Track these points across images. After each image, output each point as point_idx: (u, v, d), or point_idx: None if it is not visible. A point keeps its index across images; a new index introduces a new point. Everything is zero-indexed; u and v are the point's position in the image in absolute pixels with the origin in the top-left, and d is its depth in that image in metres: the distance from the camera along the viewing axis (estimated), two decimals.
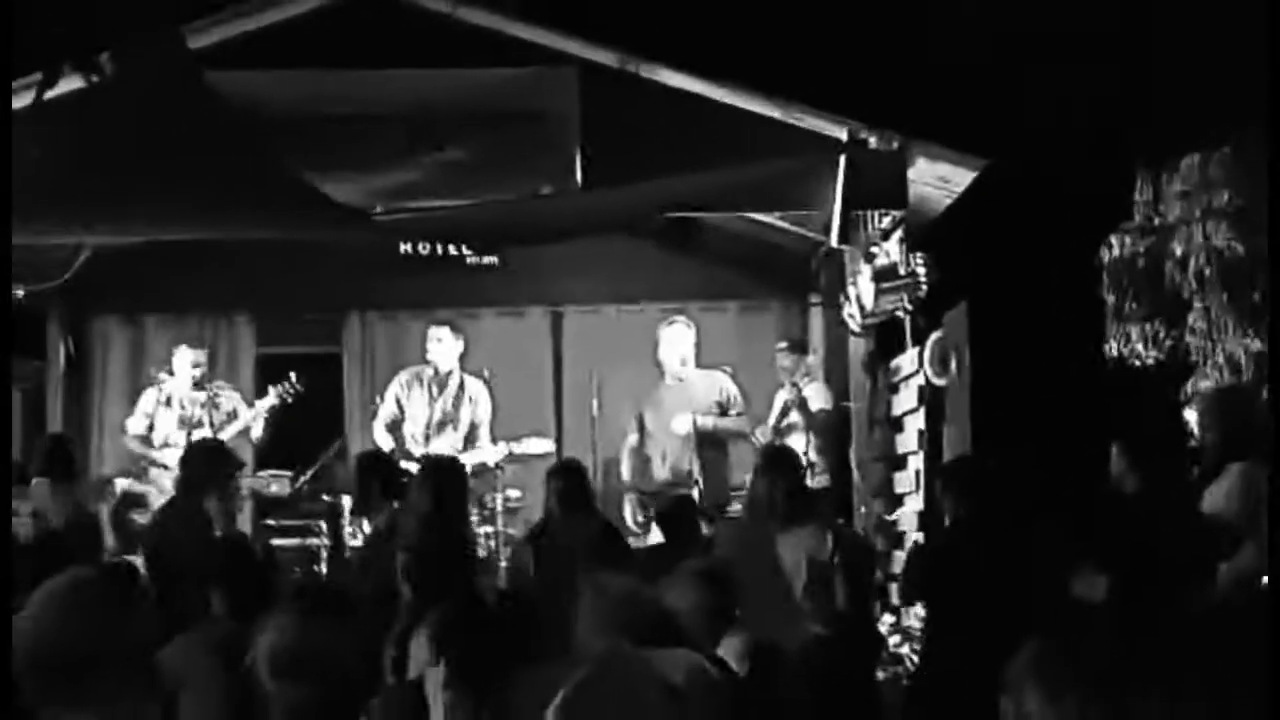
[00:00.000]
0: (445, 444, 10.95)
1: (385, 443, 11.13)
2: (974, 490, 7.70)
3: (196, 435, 10.88)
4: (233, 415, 11.14)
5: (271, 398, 10.95)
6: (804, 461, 10.19)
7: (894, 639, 8.61)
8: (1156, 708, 3.33)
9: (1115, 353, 9.55)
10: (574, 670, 2.20)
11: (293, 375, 11.03)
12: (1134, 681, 3.28)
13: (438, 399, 11.15)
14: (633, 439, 10.98)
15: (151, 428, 11.13)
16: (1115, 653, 3.28)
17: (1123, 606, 6.15)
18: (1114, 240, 9.79)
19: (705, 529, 9.36)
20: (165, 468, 10.77)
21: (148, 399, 11.26)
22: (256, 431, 11.10)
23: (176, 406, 11.14)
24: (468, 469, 10.16)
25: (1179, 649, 4.17)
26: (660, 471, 10.74)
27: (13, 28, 7.44)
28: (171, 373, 11.31)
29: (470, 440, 11.07)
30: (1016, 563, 6.95)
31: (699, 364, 10.92)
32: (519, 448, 10.85)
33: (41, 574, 3.45)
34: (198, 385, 11.26)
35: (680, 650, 2.37)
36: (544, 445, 11.05)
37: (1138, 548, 6.41)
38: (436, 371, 11.20)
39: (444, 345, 11.17)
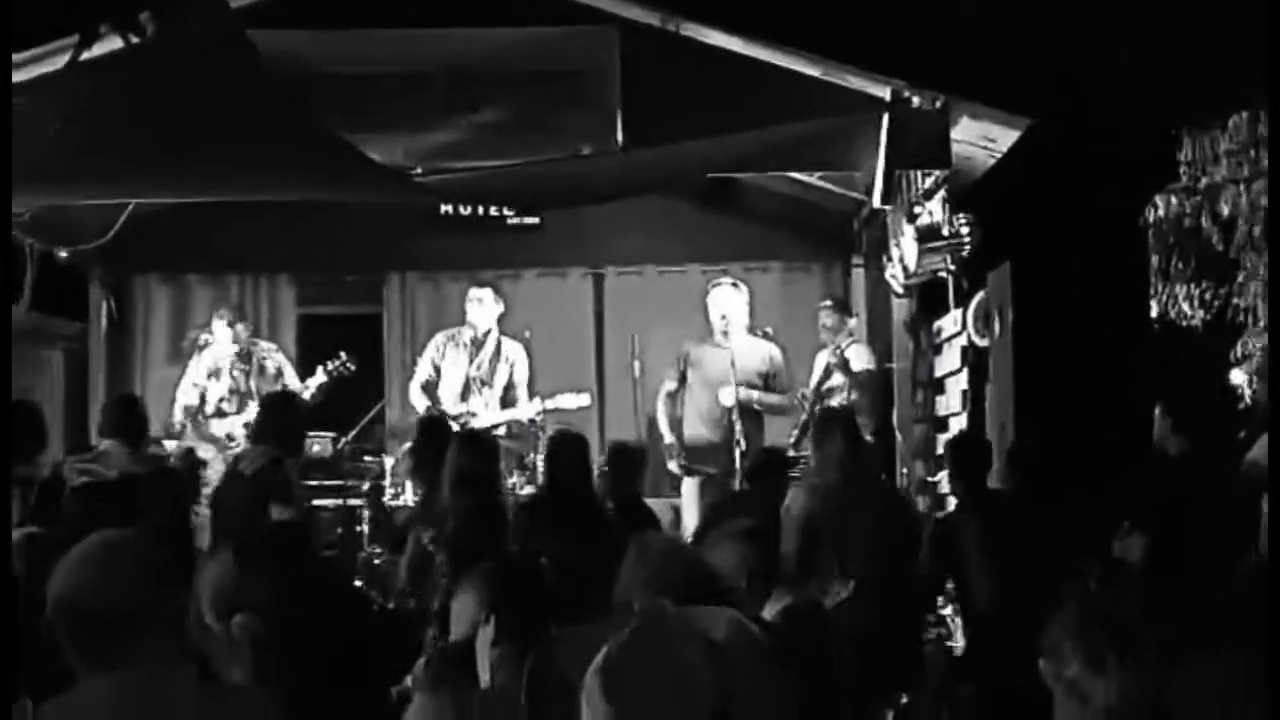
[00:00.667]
0: (479, 404, 10.96)
1: (420, 403, 11.16)
2: (971, 469, 7.72)
3: (249, 404, 10.90)
4: (279, 375, 11.14)
5: (320, 375, 10.94)
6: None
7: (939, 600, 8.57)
8: (1194, 673, 3.29)
9: (1161, 313, 9.47)
10: (616, 628, 2.18)
11: (343, 354, 11.01)
12: (1172, 646, 3.25)
13: (474, 360, 11.13)
14: (670, 384, 10.95)
15: (203, 398, 11.14)
16: (1154, 618, 3.25)
17: (1162, 569, 6.11)
18: (1159, 200, 9.70)
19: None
20: (215, 439, 10.82)
21: (194, 369, 11.26)
22: (306, 399, 11.09)
23: (226, 376, 11.15)
24: (503, 429, 10.19)
25: (1218, 613, 4.13)
26: (696, 426, 10.71)
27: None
28: (212, 336, 11.32)
29: (506, 400, 11.06)
30: (1026, 535, 6.95)
31: (746, 327, 10.86)
32: (553, 403, 10.81)
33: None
34: (242, 352, 11.24)
35: (721, 608, 2.36)
36: (579, 400, 10.99)
37: (1178, 510, 6.37)
38: (475, 332, 11.18)
39: (484, 306, 11.16)
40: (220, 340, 11.22)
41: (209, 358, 11.20)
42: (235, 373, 11.14)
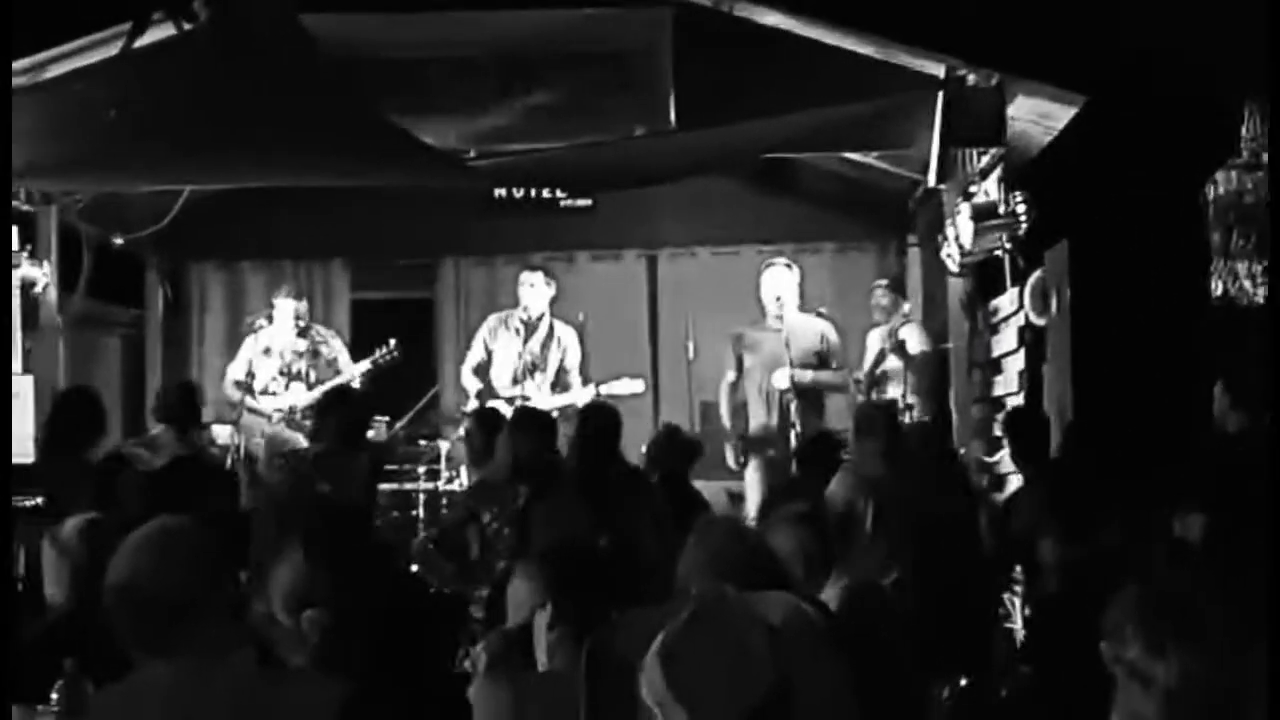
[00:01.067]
0: (532, 388, 10.95)
1: (472, 386, 11.16)
2: (1031, 444, 7.66)
3: (295, 385, 10.96)
4: (333, 364, 11.13)
5: (366, 363, 10.97)
6: (902, 407, 10.18)
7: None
8: (1256, 657, 3.25)
9: (1221, 291, 9.38)
10: (674, 612, 2.17)
11: (391, 341, 11.03)
12: (1233, 630, 3.21)
13: (527, 343, 11.12)
14: (730, 375, 10.88)
15: (251, 375, 11.16)
16: (1215, 600, 3.20)
17: (1222, 548, 6.05)
18: (1220, 176, 9.62)
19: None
20: (263, 414, 10.86)
21: (249, 346, 11.30)
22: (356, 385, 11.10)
23: (277, 356, 11.15)
24: (555, 413, 10.18)
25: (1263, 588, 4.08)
26: (757, 412, 10.65)
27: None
28: (271, 320, 11.36)
29: (559, 385, 11.05)
30: (1092, 508, 6.89)
31: (799, 307, 10.80)
32: (607, 389, 10.79)
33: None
34: (300, 334, 11.28)
35: (779, 592, 2.35)
36: (633, 385, 10.96)
37: (1239, 488, 6.31)
38: (528, 316, 11.16)
39: (536, 290, 11.13)
40: (280, 318, 11.22)
41: (265, 336, 11.22)
42: (289, 353, 11.15)
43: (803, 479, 8.24)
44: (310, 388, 10.94)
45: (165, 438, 8.53)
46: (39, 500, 6.59)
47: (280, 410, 10.88)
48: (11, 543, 5.44)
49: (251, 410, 10.90)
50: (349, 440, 7.90)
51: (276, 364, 11.09)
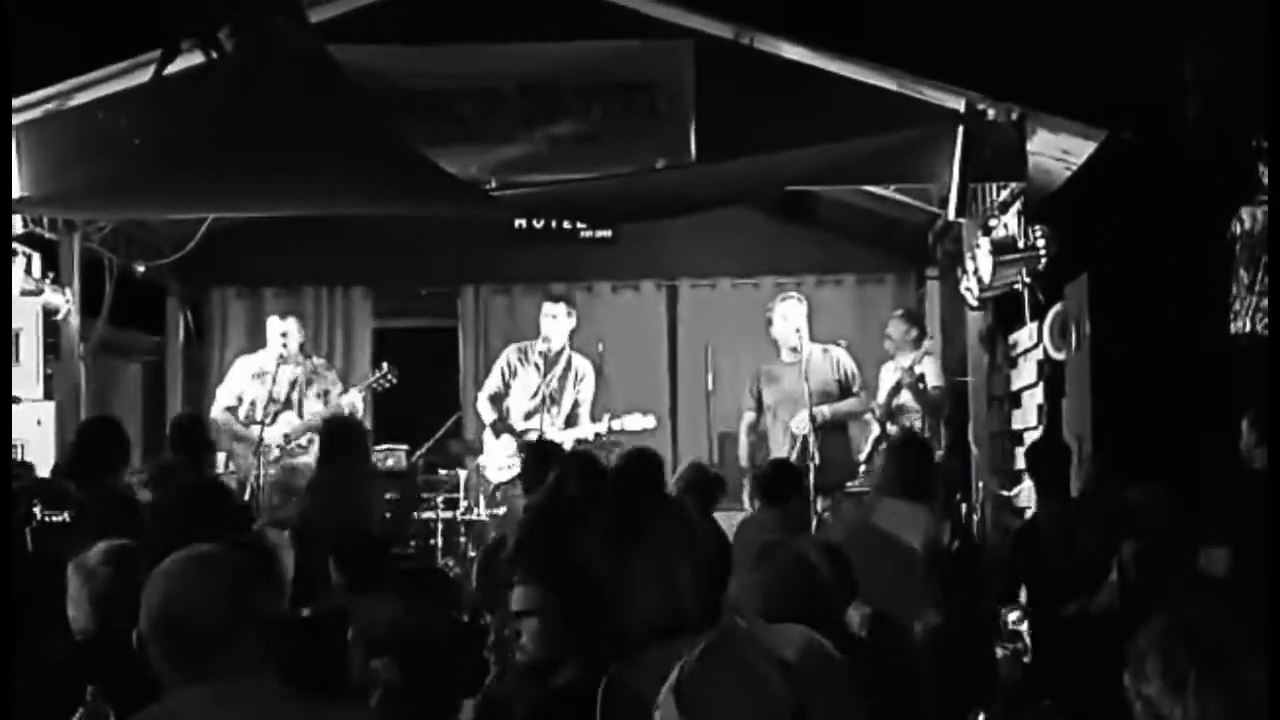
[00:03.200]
0: (547, 420, 10.92)
1: (488, 414, 11.14)
2: (1051, 475, 7.66)
3: (286, 415, 10.80)
4: (322, 396, 10.91)
5: (360, 390, 10.93)
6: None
7: (1013, 615, 8.50)
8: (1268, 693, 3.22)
9: (1247, 328, 9.33)
10: (689, 647, 2.19)
11: (385, 365, 11.02)
12: (1254, 664, 3.19)
13: (545, 376, 11.10)
14: (749, 416, 10.86)
15: (240, 400, 10.95)
16: (1241, 640, 3.19)
17: (1247, 584, 6.03)
18: (1245, 213, 9.57)
19: (820, 505, 9.36)
20: (247, 441, 10.63)
21: (240, 370, 11.13)
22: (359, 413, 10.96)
23: (268, 381, 10.76)
24: (566, 447, 10.17)
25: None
26: (779, 449, 10.62)
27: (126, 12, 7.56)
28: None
29: (571, 420, 11.02)
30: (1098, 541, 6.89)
31: (814, 338, 10.78)
32: (618, 424, 10.77)
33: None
34: (284, 361, 10.91)
35: (795, 625, 2.36)
36: (645, 422, 10.91)
37: (1263, 523, 6.29)
38: (548, 348, 11.13)
39: (558, 322, 11.08)
40: (270, 342, 11.05)
41: (256, 360, 11.07)
42: (280, 381, 10.87)
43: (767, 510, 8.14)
44: (300, 416, 10.81)
45: (178, 466, 8.55)
46: (66, 516, 6.61)
47: (267, 442, 10.63)
48: (11, 556, 5.47)
49: (239, 439, 10.77)
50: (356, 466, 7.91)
51: (267, 389, 10.72)
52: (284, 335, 10.96)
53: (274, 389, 10.71)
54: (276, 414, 10.75)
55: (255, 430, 10.46)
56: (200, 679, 3.05)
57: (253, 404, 10.82)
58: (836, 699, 2.17)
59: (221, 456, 10.65)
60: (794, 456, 10.26)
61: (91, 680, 3.71)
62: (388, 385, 10.94)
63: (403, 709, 3.25)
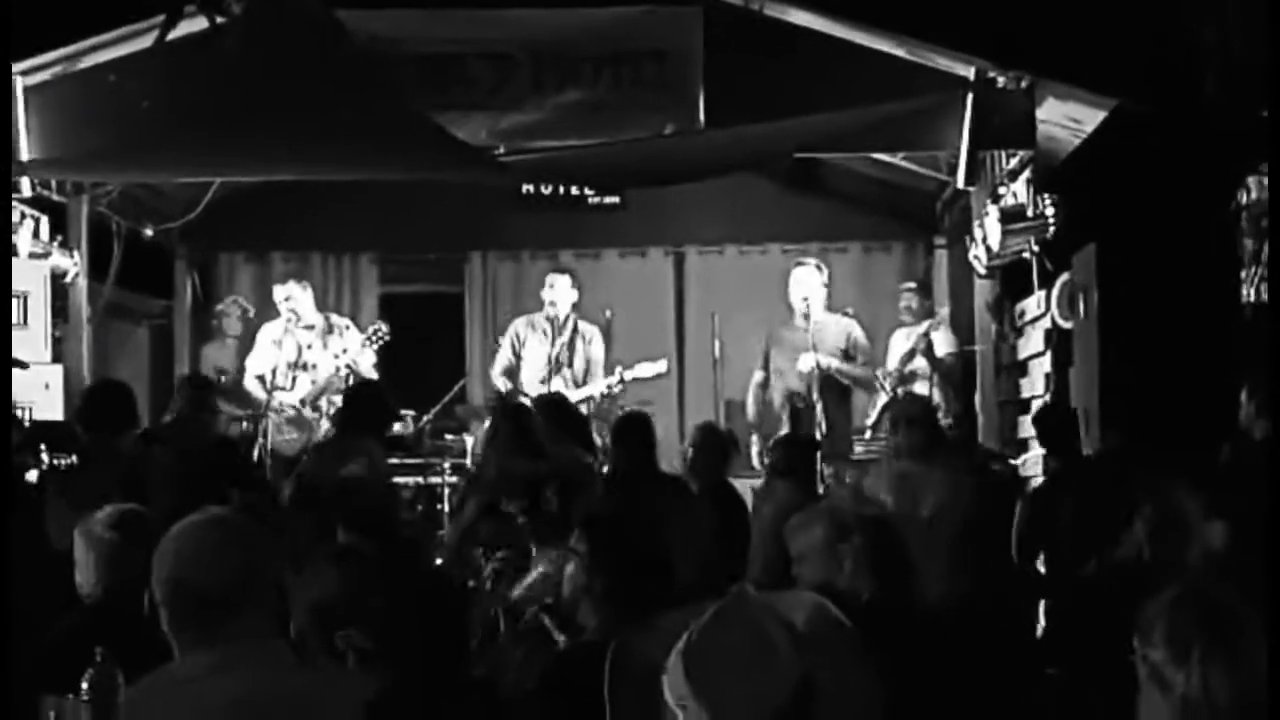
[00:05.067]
0: (559, 384, 10.94)
1: (503, 386, 11.16)
2: (1061, 439, 7.66)
3: (304, 376, 10.90)
4: (339, 355, 10.95)
5: (365, 349, 10.96)
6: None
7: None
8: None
9: (1253, 297, 9.31)
10: (699, 614, 2.19)
11: (379, 322, 11.04)
12: (1253, 637, 3.19)
13: (554, 344, 11.11)
14: (758, 375, 10.92)
15: (274, 370, 11.04)
16: (1245, 613, 3.19)
17: (1245, 558, 6.03)
18: (1251, 181, 9.54)
19: (827, 471, 9.36)
20: (278, 410, 10.78)
21: (264, 339, 11.24)
22: (368, 361, 10.98)
23: (286, 347, 11.04)
24: (579, 406, 10.18)
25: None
26: (781, 408, 10.66)
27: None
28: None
29: (584, 380, 11.04)
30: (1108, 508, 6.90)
31: (826, 306, 10.80)
32: (631, 373, 10.78)
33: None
34: (299, 324, 11.14)
35: (805, 592, 2.36)
36: (656, 367, 10.93)
37: (1256, 497, 6.29)
38: (554, 316, 11.15)
39: (559, 291, 11.12)
40: (280, 307, 11.17)
41: (272, 328, 11.15)
42: (293, 345, 10.99)
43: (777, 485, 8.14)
44: (314, 380, 10.93)
45: (186, 424, 8.56)
46: (74, 459, 6.65)
47: (294, 406, 10.83)
48: (10, 538, 5.48)
49: (269, 407, 10.87)
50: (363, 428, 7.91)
51: (286, 358, 10.98)
52: (287, 300, 11.12)
53: (285, 354, 10.89)
54: (294, 378, 10.92)
55: (278, 395, 10.75)
56: (211, 642, 3.06)
57: (274, 371, 10.92)
58: (845, 666, 2.17)
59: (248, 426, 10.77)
60: (785, 419, 10.30)
61: (99, 643, 3.71)
62: (382, 340, 10.92)
63: (387, 674, 3.25)
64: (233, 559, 3.12)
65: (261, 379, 10.97)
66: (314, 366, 10.99)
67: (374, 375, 10.66)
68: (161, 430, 8.39)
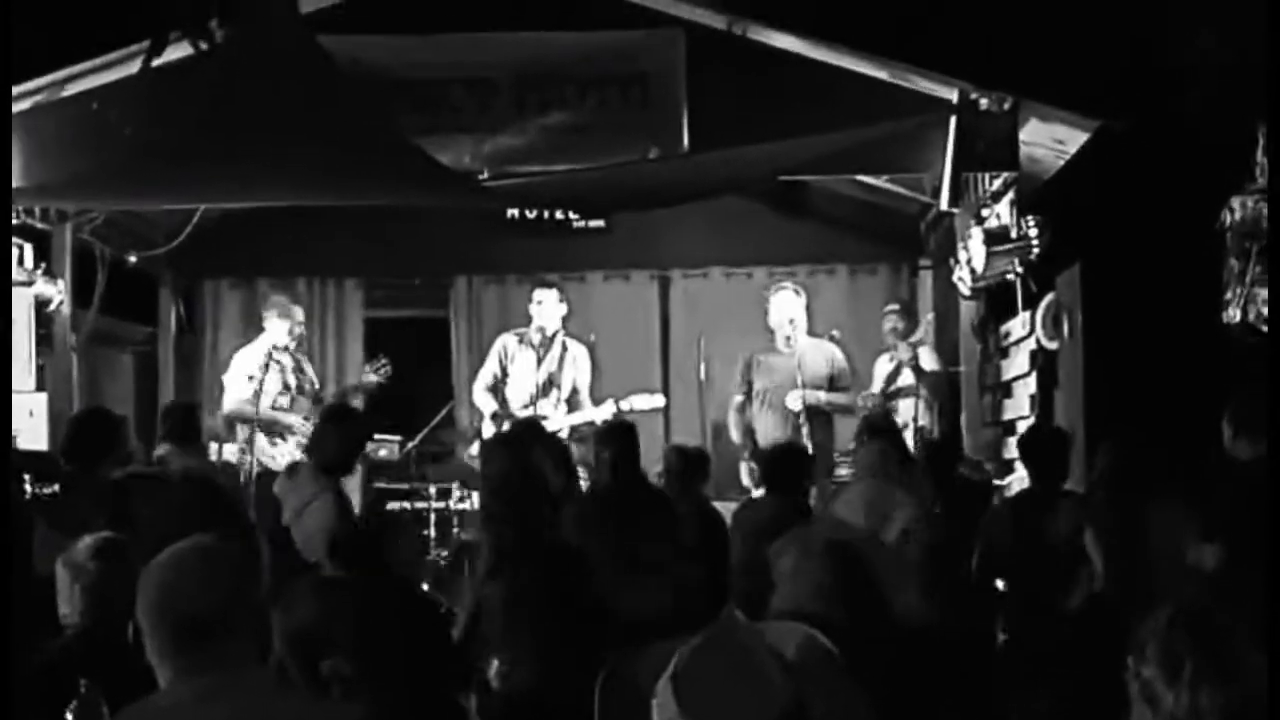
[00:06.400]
0: (548, 406, 10.91)
1: (486, 405, 11.09)
2: (1046, 463, 7.65)
3: (300, 400, 10.88)
4: (314, 386, 11.02)
5: (370, 376, 10.98)
6: (914, 425, 10.19)
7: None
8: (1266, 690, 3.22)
9: (1239, 318, 9.32)
10: (687, 641, 2.19)
11: (383, 359, 11.05)
12: (1247, 659, 3.19)
13: (542, 362, 11.08)
14: (738, 399, 10.90)
15: (259, 391, 10.99)
16: (1239, 635, 3.19)
17: (1235, 578, 6.03)
18: (1235, 202, 9.56)
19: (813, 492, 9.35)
20: (278, 430, 10.79)
21: (249, 361, 11.13)
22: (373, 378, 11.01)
23: (276, 369, 10.79)
24: (567, 431, 10.16)
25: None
26: (765, 435, 10.64)
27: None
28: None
29: (573, 403, 11.02)
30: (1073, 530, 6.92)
31: (808, 329, 10.81)
32: (627, 404, 10.77)
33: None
34: (286, 348, 10.98)
35: (792, 622, 2.36)
36: (654, 401, 10.95)
37: (1245, 518, 6.29)
38: (542, 334, 11.12)
39: (547, 307, 11.06)
40: (275, 330, 10.97)
41: (259, 350, 11.06)
42: (289, 368, 10.98)
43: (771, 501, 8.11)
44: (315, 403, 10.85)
45: (171, 457, 8.56)
46: (56, 489, 6.63)
47: (291, 425, 10.79)
48: (12, 542, 5.46)
49: (261, 426, 10.80)
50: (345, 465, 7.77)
51: (280, 380, 10.81)
52: (300, 323, 11.11)
53: (285, 375, 10.85)
54: (292, 399, 10.88)
55: (281, 416, 10.63)
56: (196, 671, 3.05)
57: (270, 392, 10.72)
58: (834, 694, 2.17)
59: (232, 448, 10.69)
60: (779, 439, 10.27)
61: (84, 673, 3.70)
62: (384, 376, 10.97)
63: (371, 702, 3.23)
64: (217, 586, 3.11)
65: (252, 398, 10.93)
66: (312, 385, 11.00)
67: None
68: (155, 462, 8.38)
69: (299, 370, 10.96)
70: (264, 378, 10.58)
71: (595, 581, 4.22)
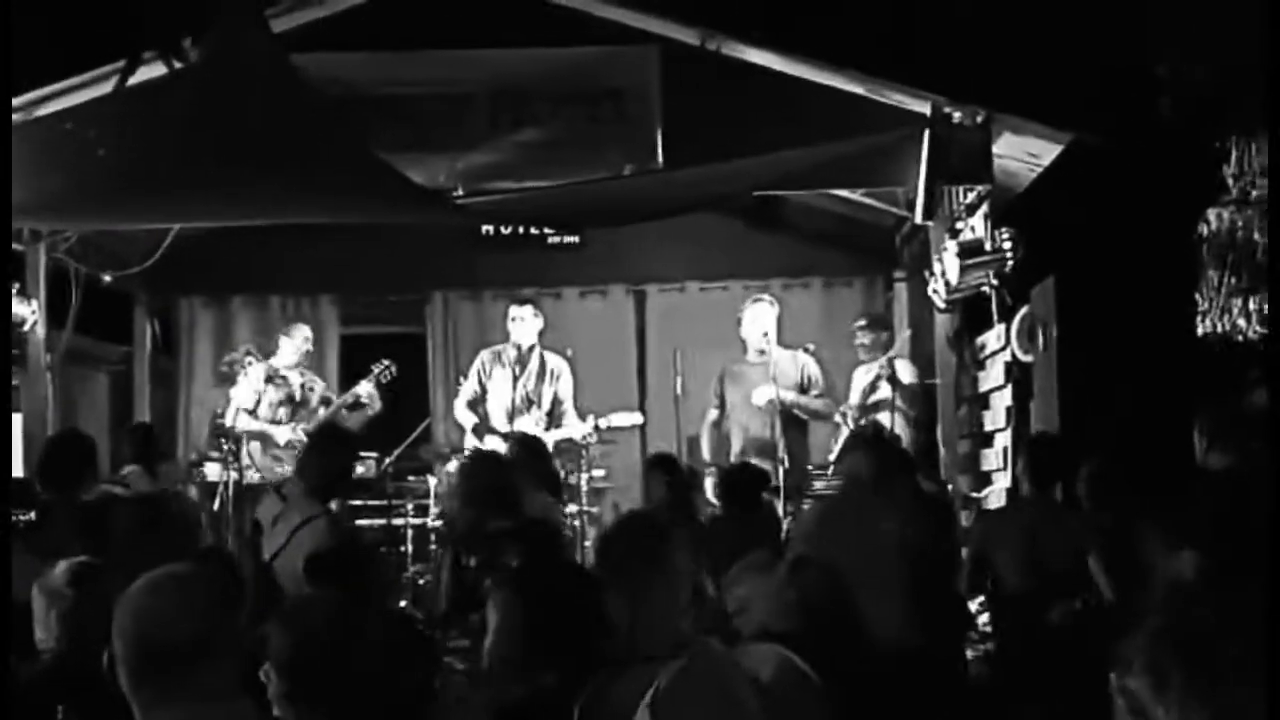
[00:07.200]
0: (529, 423, 10.91)
1: (467, 420, 11.12)
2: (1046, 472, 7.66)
3: (300, 414, 11.08)
4: (325, 403, 11.35)
5: (368, 383, 11.10)
6: (891, 438, 10.20)
7: (983, 617, 8.52)
8: (1256, 695, 3.22)
9: (1215, 328, 9.39)
10: (665, 668, 2.19)
11: (385, 360, 11.16)
12: (1238, 672, 3.19)
13: (520, 377, 11.09)
14: (713, 414, 10.93)
15: (258, 403, 11.22)
16: (1221, 640, 3.19)
17: (1219, 588, 6.03)
18: (1211, 214, 9.64)
19: (784, 507, 9.37)
20: (267, 439, 10.98)
21: (256, 374, 11.30)
22: (374, 409, 11.15)
23: (282, 384, 11.29)
24: (551, 446, 10.16)
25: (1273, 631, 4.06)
26: (738, 447, 10.65)
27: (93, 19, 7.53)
28: (251, 354, 11.44)
29: (554, 418, 11.03)
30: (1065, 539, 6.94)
31: (782, 342, 10.84)
32: (606, 421, 10.79)
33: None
34: (303, 361, 11.50)
35: (770, 646, 2.36)
36: (632, 418, 10.98)
37: (1223, 526, 6.31)
38: (519, 350, 11.14)
39: (524, 324, 11.11)
40: (288, 346, 11.46)
41: (266, 366, 11.32)
42: (295, 383, 11.29)
43: (726, 517, 8.12)
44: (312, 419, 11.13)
45: (135, 478, 8.58)
46: (32, 515, 6.61)
47: (290, 440, 10.94)
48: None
49: (258, 437, 11.08)
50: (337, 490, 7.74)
51: (284, 393, 11.20)
52: (307, 339, 11.54)
53: (290, 390, 11.25)
54: (293, 414, 11.23)
55: (279, 430, 11.08)
56: (173, 700, 3.03)
57: (270, 405, 11.23)
58: (810, 717, 2.17)
59: (215, 468, 10.88)
60: (764, 458, 10.27)
61: (61, 700, 3.68)
62: (389, 379, 11.10)
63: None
64: (192, 614, 3.10)
65: (250, 412, 11.11)
66: (305, 402, 11.23)
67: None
68: (119, 481, 8.38)
69: (307, 388, 11.16)
70: (263, 393, 10.90)
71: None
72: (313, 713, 3.27)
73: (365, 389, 11.12)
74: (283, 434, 11.05)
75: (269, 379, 11.23)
